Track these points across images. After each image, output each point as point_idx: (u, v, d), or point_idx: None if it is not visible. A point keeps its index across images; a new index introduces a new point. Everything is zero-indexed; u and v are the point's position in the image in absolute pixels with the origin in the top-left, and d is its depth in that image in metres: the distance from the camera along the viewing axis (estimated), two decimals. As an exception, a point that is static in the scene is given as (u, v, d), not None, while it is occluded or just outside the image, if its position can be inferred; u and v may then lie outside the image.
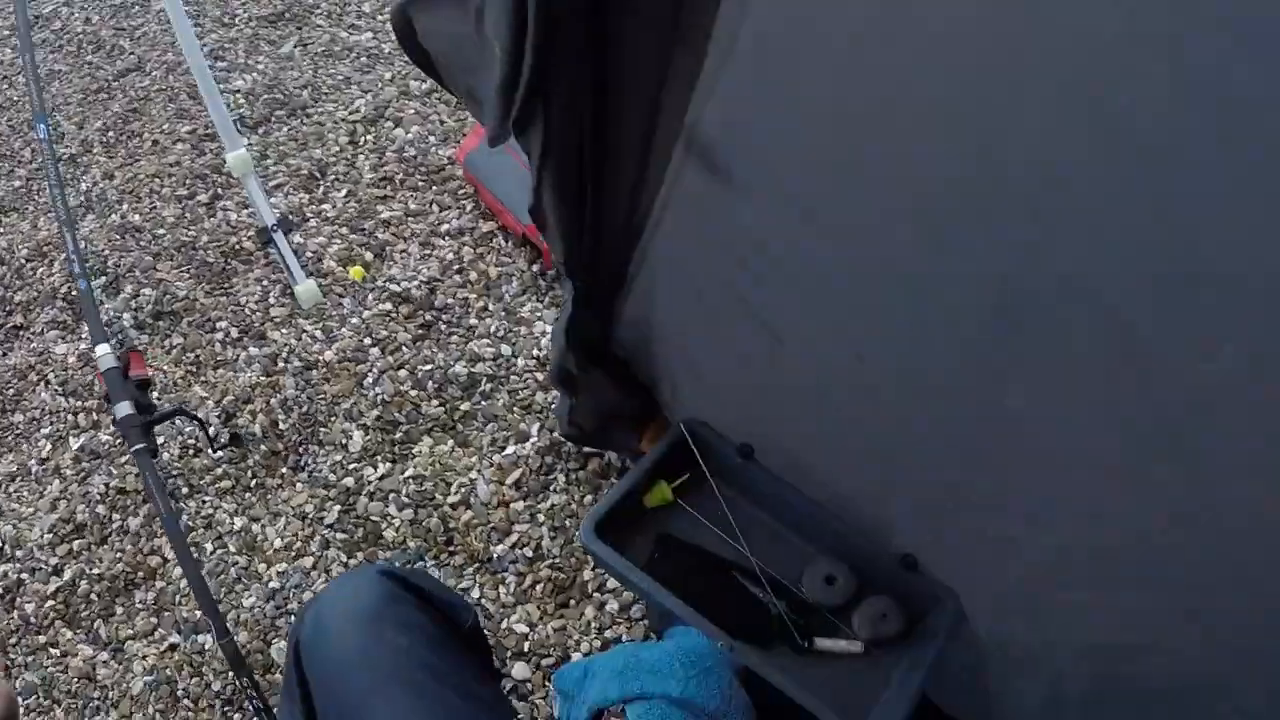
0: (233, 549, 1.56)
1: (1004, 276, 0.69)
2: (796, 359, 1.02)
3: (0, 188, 2.37)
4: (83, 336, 1.93)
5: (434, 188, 2.00)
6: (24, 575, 1.58)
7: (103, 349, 1.66)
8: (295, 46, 2.47)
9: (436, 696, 0.86)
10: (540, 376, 1.68)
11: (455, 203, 1.96)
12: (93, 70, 2.52)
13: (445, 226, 1.92)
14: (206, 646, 1.47)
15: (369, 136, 2.15)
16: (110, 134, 2.35)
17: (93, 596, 1.56)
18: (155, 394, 1.74)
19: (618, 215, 1.12)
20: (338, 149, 2.13)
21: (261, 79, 2.36)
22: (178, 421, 1.68)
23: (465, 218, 1.93)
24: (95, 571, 1.58)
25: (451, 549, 1.52)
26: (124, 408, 1.56)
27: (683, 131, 0.92)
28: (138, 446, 1.52)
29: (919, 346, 0.83)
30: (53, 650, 1.50)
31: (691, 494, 1.24)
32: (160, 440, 1.68)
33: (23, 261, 2.14)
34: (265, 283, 1.88)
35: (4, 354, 1.97)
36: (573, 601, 1.45)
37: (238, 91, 2.32)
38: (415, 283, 1.82)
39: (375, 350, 1.74)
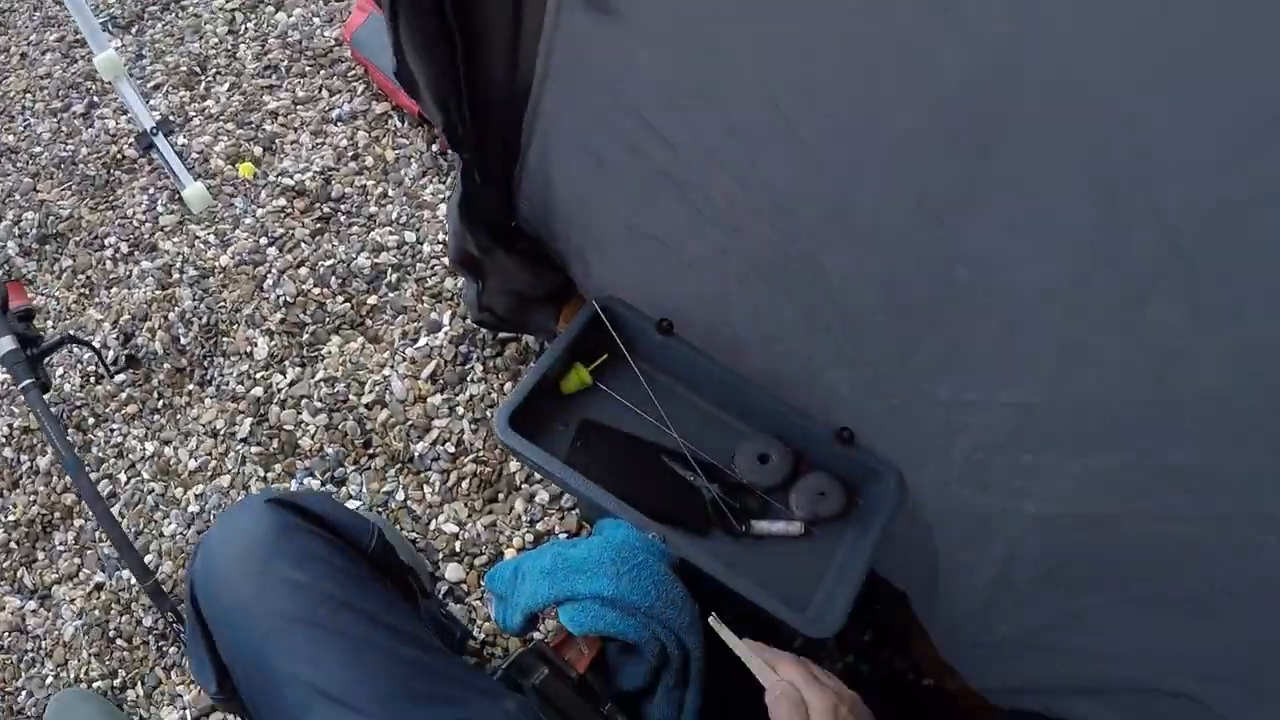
0: (146, 476, 1.49)
1: (969, 84, 0.57)
2: (710, 220, 0.91)
3: None
4: (-36, 272, 1.81)
5: (322, 72, 1.85)
6: (-65, 531, 1.51)
7: (-26, 285, 1.55)
8: (162, -67, 2.27)
9: (341, 630, 0.79)
10: (448, 262, 1.58)
11: (346, 86, 1.82)
12: (-52, -15, 2.32)
13: (336, 112, 1.79)
14: (133, 582, 1.41)
15: (249, 24, 1.98)
16: (-26, 51, 2.17)
17: (12, 545, 1.49)
18: (48, 322, 1.63)
19: (495, 71, 1.00)
20: (217, 40, 1.96)
21: (130, -28, 2.17)
22: (74, 350, 1.58)
23: (357, 101, 1.79)
24: (11, 518, 1.51)
25: (371, 451, 1.44)
26: (5, 343, 1.45)
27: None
28: (25, 382, 1.42)
29: (853, 187, 0.72)
30: (-22, 606, 1.44)
31: (612, 376, 1.16)
32: (60, 371, 1.59)
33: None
34: (151, 191, 1.75)
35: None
36: (501, 496, 1.39)
37: (106, -11, 2.13)
38: (309, 174, 1.70)
39: (273, 250, 1.63)
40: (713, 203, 0.89)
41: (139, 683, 1.35)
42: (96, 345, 1.52)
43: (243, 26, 1.97)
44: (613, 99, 0.90)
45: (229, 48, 1.94)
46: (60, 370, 1.58)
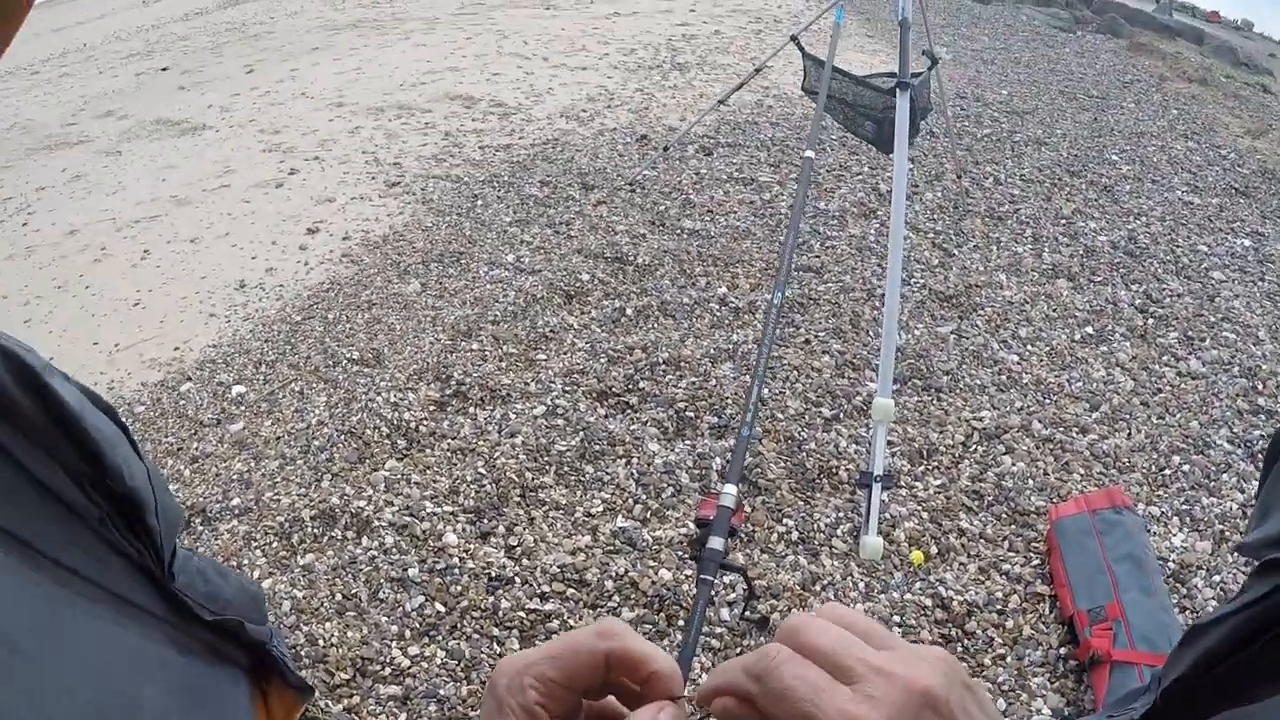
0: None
1: None
2: None
3: None
4: None
5: (1015, 522, 2.03)
6: None
7: None
8: None
9: None
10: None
11: (1025, 549, 1.97)
12: None
13: (1007, 566, 1.93)
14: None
15: (979, 448, 2.25)
16: None
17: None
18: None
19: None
20: (949, 444, 2.26)
21: None
22: (729, 576, 1.83)
23: (1027, 569, 1.92)
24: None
25: None
26: (717, 542, 1.63)
27: None
28: (705, 577, 1.60)
29: None
30: None
31: None
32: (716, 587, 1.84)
33: None
34: (840, 514, 2.04)
35: None
36: None
37: None
38: (959, 600, 1.84)
39: (897, 631, 1.76)
40: None
41: None
42: (753, 587, 1.73)
43: (976, 447, 2.24)
44: None
45: (959, 455, 2.21)
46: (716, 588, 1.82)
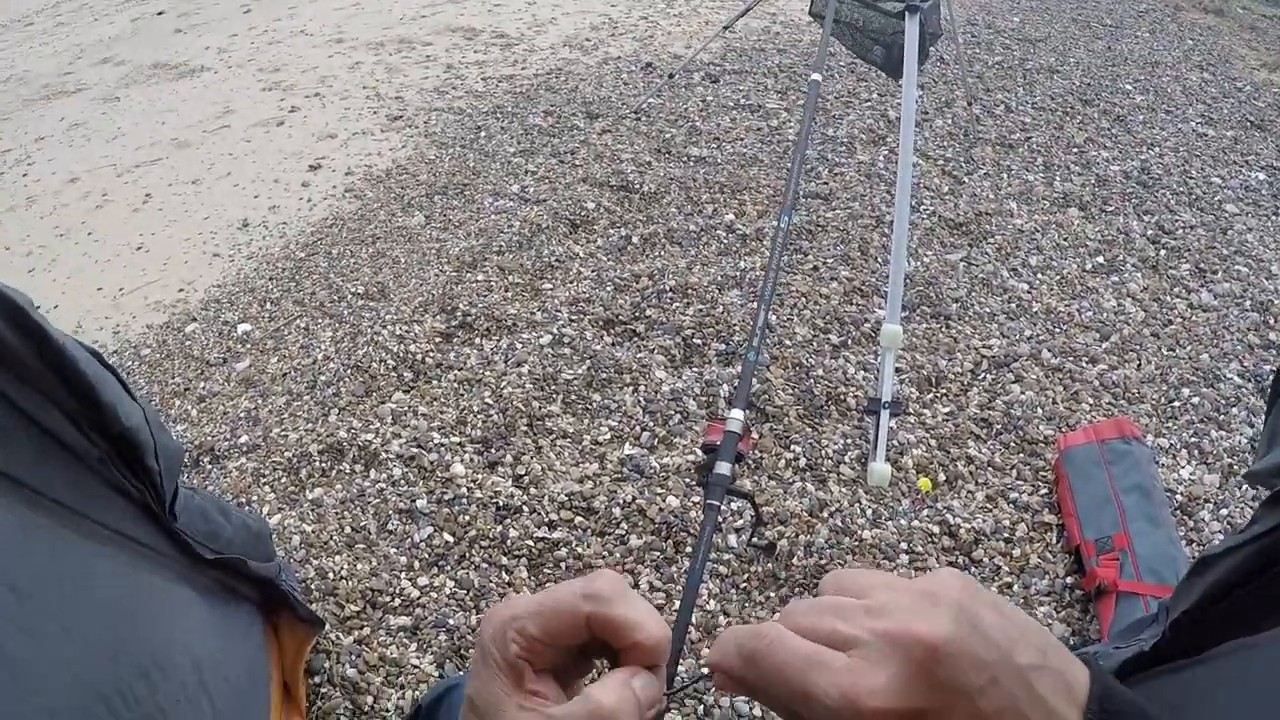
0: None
1: None
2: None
3: None
4: None
5: (1020, 455, 2.02)
6: None
7: None
8: None
9: None
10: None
11: (1034, 478, 1.96)
12: None
13: (1015, 495, 1.91)
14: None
15: (988, 375, 2.23)
16: None
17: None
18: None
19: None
20: (959, 370, 2.24)
21: None
22: (738, 503, 1.81)
23: (1035, 498, 1.91)
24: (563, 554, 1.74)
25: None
26: (724, 467, 1.58)
27: None
28: (712, 502, 1.58)
29: None
30: None
31: None
32: (724, 512, 1.83)
33: None
34: (848, 440, 2.02)
35: None
36: None
37: None
38: (968, 526, 1.82)
39: (905, 557, 1.77)
40: None
41: None
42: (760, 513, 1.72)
43: (985, 375, 2.22)
44: None
45: (967, 383, 2.19)
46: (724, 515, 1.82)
